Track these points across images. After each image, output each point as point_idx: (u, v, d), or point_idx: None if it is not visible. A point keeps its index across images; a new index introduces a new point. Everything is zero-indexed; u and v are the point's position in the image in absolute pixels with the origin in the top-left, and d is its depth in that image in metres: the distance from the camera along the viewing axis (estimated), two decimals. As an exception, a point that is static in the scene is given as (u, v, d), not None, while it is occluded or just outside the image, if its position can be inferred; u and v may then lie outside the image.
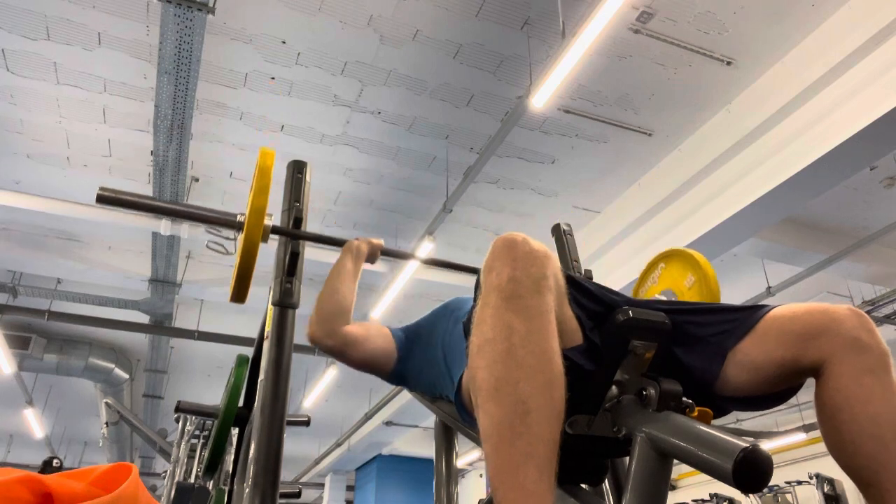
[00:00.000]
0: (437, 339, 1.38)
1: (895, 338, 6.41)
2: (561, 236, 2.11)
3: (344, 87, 4.49)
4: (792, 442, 8.18)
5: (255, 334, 1.88)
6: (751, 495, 7.88)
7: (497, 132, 4.61)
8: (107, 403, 6.81)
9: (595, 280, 1.45)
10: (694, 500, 9.29)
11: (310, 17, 3.94)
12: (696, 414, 0.85)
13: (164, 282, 6.21)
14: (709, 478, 0.75)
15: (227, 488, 2.16)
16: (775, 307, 1.00)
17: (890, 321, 6.28)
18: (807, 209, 5.24)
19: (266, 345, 1.41)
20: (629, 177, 5.37)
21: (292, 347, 1.40)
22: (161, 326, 7.29)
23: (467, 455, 10.71)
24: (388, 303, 5.96)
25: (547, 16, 3.90)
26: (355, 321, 1.51)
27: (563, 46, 3.50)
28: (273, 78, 4.40)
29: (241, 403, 1.95)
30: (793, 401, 1.02)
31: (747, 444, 0.71)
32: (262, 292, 1.42)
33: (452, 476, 1.47)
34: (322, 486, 13.55)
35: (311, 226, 1.58)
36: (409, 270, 5.49)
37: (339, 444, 11.31)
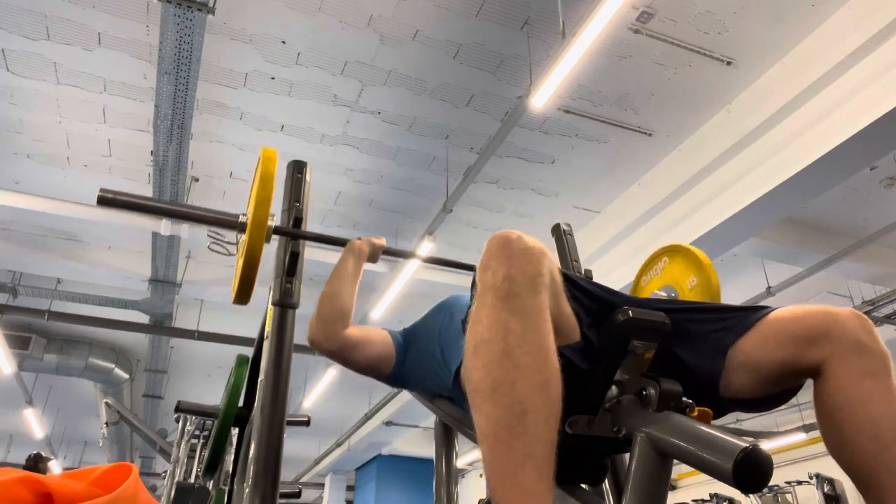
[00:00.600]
0: (433, 335, 1.39)
1: (895, 337, 6.41)
2: (561, 236, 2.11)
3: (344, 87, 4.49)
4: (792, 442, 8.18)
5: (255, 334, 1.88)
6: (751, 495, 7.88)
7: (497, 132, 4.61)
8: (107, 403, 6.81)
9: (595, 280, 1.45)
10: (694, 500, 9.29)
11: (310, 17, 3.94)
12: (696, 414, 0.85)
13: (164, 282, 6.21)
14: (709, 478, 0.75)
15: (227, 488, 2.16)
16: (776, 308, 1.00)
17: (890, 321, 6.28)
18: (807, 209, 5.24)
19: (266, 345, 1.41)
20: (629, 177, 5.37)
21: (292, 347, 1.40)
22: (161, 326, 7.30)
23: (467, 455, 10.71)
24: (388, 303, 5.96)
25: (547, 16, 3.90)
26: (354, 325, 1.52)
27: (563, 46, 3.50)
28: (273, 78, 4.40)
29: (241, 403, 1.95)
30: (793, 401, 1.03)
31: (747, 444, 0.71)
32: (262, 292, 1.42)
33: (452, 476, 1.47)
34: (322, 486, 13.56)
35: (311, 226, 1.58)
36: (409, 270, 5.49)
37: (339, 444, 11.31)
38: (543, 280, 0.84)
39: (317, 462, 12.56)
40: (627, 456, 0.85)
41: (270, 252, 1.46)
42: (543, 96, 3.76)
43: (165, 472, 4.77)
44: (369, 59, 4.27)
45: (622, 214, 5.50)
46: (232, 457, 2.11)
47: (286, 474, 12.69)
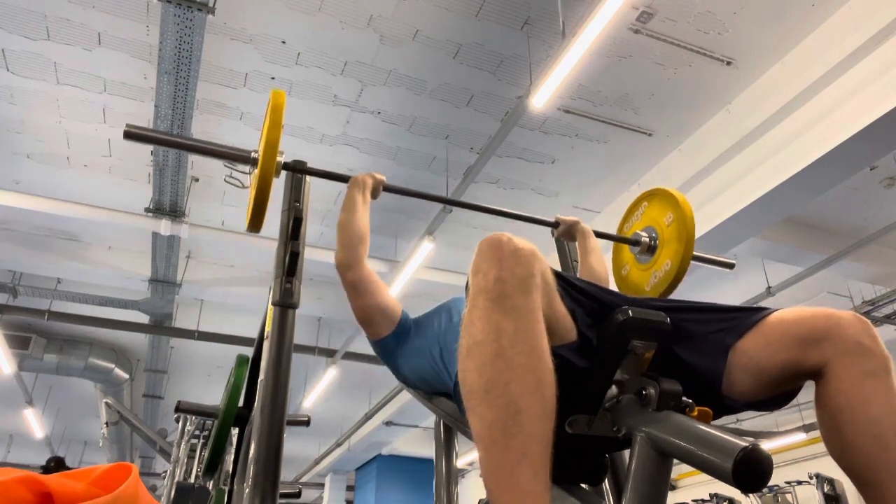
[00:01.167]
0: (432, 334, 1.41)
1: (895, 338, 6.42)
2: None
3: (344, 87, 4.49)
4: (792, 442, 8.18)
5: (255, 334, 1.89)
6: (751, 495, 7.88)
7: (497, 132, 4.61)
8: (107, 403, 6.81)
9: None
10: (694, 500, 9.29)
11: (310, 17, 3.94)
12: (695, 413, 0.85)
13: (164, 282, 6.21)
14: (709, 478, 0.75)
15: (227, 488, 2.16)
16: (777, 310, 1.00)
17: (890, 321, 6.28)
18: (807, 209, 5.24)
19: (266, 345, 1.41)
20: (629, 177, 5.37)
21: (292, 347, 1.40)
22: (161, 326, 7.29)
23: (467, 455, 10.71)
24: (388, 303, 5.95)
25: (547, 16, 3.90)
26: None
27: (563, 46, 3.50)
28: (273, 78, 4.40)
29: (241, 403, 1.95)
30: (793, 401, 1.03)
31: (747, 444, 0.71)
32: (262, 292, 1.43)
33: (452, 476, 1.47)
34: (322, 486, 13.55)
35: (310, 226, 1.59)
36: (410, 270, 5.49)
37: (339, 444, 11.31)
38: (534, 281, 0.84)
39: (317, 462, 12.56)
40: (627, 455, 0.85)
41: (271, 252, 1.46)
42: (543, 96, 3.76)
43: (165, 472, 4.77)
44: (369, 59, 4.27)
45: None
46: (232, 457, 2.11)
47: (286, 474, 12.70)
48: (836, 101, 3.83)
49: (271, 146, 1.46)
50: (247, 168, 1.62)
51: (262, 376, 1.36)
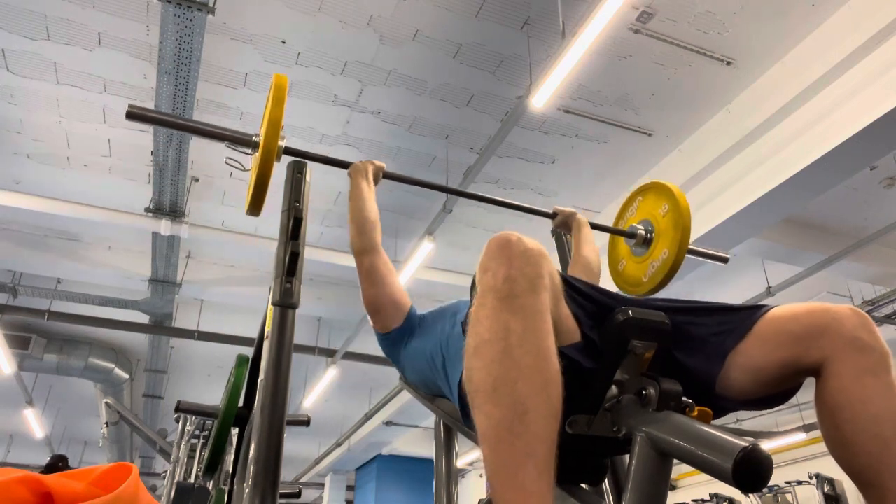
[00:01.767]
0: (434, 336, 1.39)
1: (895, 337, 6.41)
2: (561, 236, 2.11)
3: (344, 87, 4.49)
4: (792, 442, 8.18)
5: (255, 334, 1.89)
6: (751, 495, 7.88)
7: (497, 132, 4.61)
8: (107, 403, 6.81)
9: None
10: (694, 500, 9.29)
11: (310, 17, 3.94)
12: (695, 414, 0.85)
13: (164, 282, 6.21)
14: (709, 478, 0.75)
15: (227, 488, 2.16)
16: (774, 307, 1.00)
17: (890, 321, 6.28)
18: (807, 209, 5.24)
19: (266, 345, 1.41)
20: (629, 177, 5.37)
21: (292, 347, 1.40)
22: (161, 326, 7.29)
23: (467, 455, 10.71)
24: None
25: (547, 16, 3.90)
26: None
27: (563, 46, 3.50)
28: (273, 78, 4.40)
29: (241, 403, 1.95)
30: (793, 401, 1.03)
31: (747, 444, 0.71)
32: (262, 292, 1.43)
33: (452, 476, 1.47)
34: (322, 486, 13.55)
35: (310, 226, 1.60)
36: (410, 270, 5.49)
37: (339, 444, 11.31)
38: (543, 281, 0.84)
39: (317, 462, 12.56)
40: (627, 456, 0.85)
41: (271, 253, 1.46)
42: (543, 96, 3.76)
43: (165, 472, 4.77)
44: (369, 59, 4.27)
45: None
46: (232, 457, 2.11)
47: (286, 474, 12.69)
48: (836, 101, 3.83)
49: (273, 125, 1.45)
50: (248, 152, 1.64)
51: (262, 376, 1.36)
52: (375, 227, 1.65)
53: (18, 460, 13.03)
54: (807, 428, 7.91)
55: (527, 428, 0.75)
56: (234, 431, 2.10)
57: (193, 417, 4.04)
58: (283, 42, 4.13)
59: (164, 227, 5.32)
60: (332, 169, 1.83)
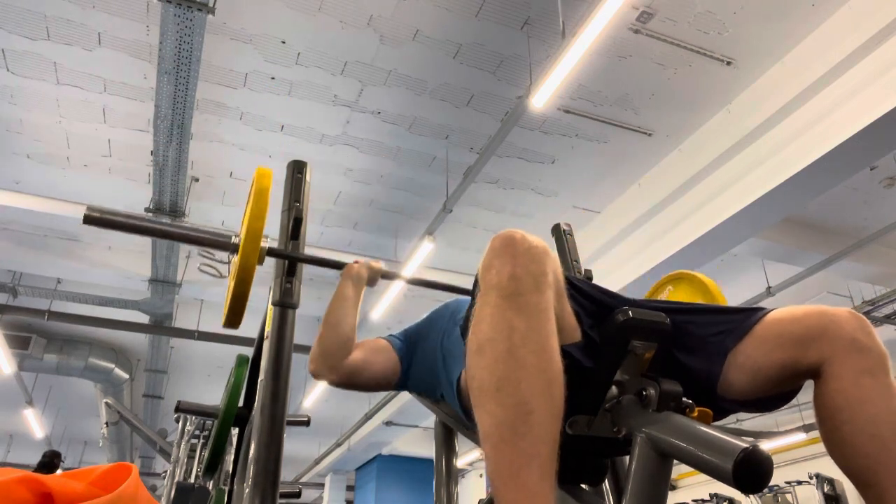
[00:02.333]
0: (435, 340, 1.38)
1: (895, 338, 6.41)
2: (561, 236, 2.11)
3: (344, 87, 4.49)
4: (792, 442, 8.18)
5: (255, 334, 1.88)
6: (751, 495, 7.88)
7: (497, 132, 4.61)
8: (107, 403, 6.82)
9: (595, 280, 1.44)
10: (694, 500, 9.29)
11: (310, 17, 3.94)
12: (696, 414, 0.85)
13: (164, 282, 6.21)
14: (709, 478, 0.75)
15: (227, 488, 2.16)
16: (774, 310, 1.00)
17: (890, 321, 6.28)
18: (807, 209, 5.24)
19: (266, 345, 1.41)
20: (629, 177, 5.37)
21: (292, 347, 1.40)
22: (161, 326, 7.29)
23: (467, 455, 10.70)
24: (388, 303, 5.96)
25: (547, 16, 3.90)
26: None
27: (563, 46, 3.50)
28: (273, 78, 4.40)
29: (241, 403, 1.95)
30: (793, 401, 1.03)
31: (747, 445, 0.71)
32: (262, 292, 1.43)
33: (452, 476, 1.47)
34: (322, 486, 13.55)
35: (310, 226, 1.59)
36: (409, 270, 5.49)
37: (339, 444, 11.31)
38: (548, 279, 0.83)
39: (317, 462, 12.56)
40: (627, 456, 0.85)
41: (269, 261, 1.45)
42: (543, 96, 3.76)
43: (165, 472, 4.77)
44: (369, 59, 4.27)
45: (622, 214, 5.50)
46: (232, 457, 2.11)
47: (286, 474, 12.69)
48: (836, 101, 3.83)
49: (254, 236, 1.28)
50: (225, 260, 1.53)
51: (262, 376, 1.36)
52: (342, 347, 1.44)
53: (18, 460, 13.03)
54: (807, 428, 7.91)
55: (530, 428, 0.75)
56: (234, 431, 2.10)
57: (193, 417, 4.04)
58: (283, 42, 4.13)
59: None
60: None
